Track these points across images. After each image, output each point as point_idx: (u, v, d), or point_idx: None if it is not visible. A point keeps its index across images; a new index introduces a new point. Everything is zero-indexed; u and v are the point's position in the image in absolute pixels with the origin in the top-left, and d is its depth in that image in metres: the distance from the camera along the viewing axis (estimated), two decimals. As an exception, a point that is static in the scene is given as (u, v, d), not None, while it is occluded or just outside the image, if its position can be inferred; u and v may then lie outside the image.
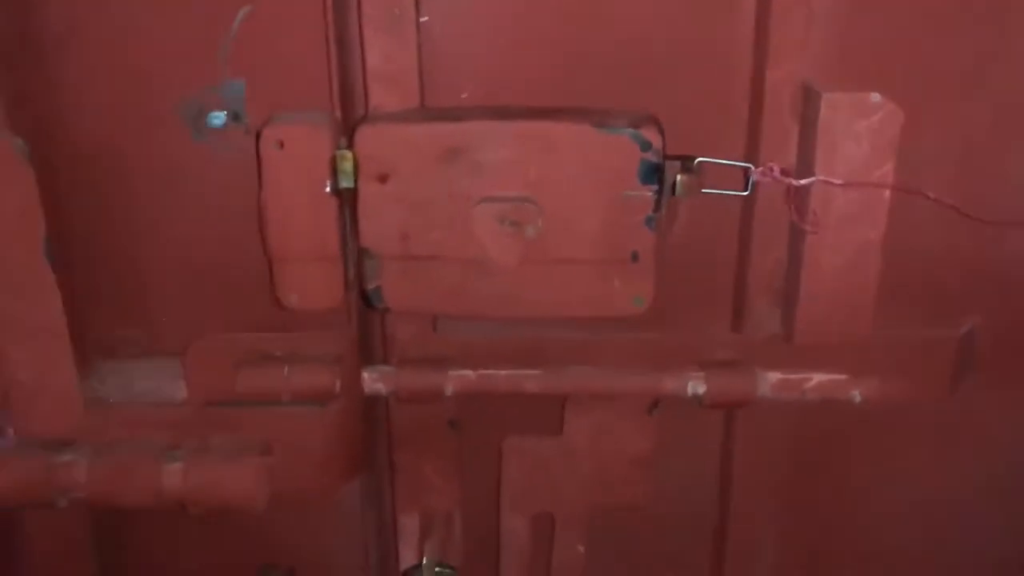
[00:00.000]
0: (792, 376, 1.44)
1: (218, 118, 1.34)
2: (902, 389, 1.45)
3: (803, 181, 1.26)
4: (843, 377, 1.44)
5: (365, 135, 1.27)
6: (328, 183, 1.28)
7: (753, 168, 1.30)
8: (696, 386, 1.44)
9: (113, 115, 1.34)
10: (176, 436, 1.43)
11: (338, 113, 1.32)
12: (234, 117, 1.34)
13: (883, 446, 1.57)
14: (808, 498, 1.61)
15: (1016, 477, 1.58)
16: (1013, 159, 1.37)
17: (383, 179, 1.28)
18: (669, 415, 1.50)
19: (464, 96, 1.33)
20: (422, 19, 1.29)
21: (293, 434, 1.44)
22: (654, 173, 1.25)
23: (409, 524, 1.59)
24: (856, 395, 1.44)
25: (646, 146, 1.25)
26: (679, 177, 1.27)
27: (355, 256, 1.35)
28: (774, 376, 1.44)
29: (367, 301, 1.36)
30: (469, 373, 1.45)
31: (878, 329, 1.37)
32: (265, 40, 1.28)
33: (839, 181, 1.25)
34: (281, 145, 1.25)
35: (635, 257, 1.30)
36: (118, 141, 1.35)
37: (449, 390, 1.44)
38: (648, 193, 1.26)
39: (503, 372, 1.44)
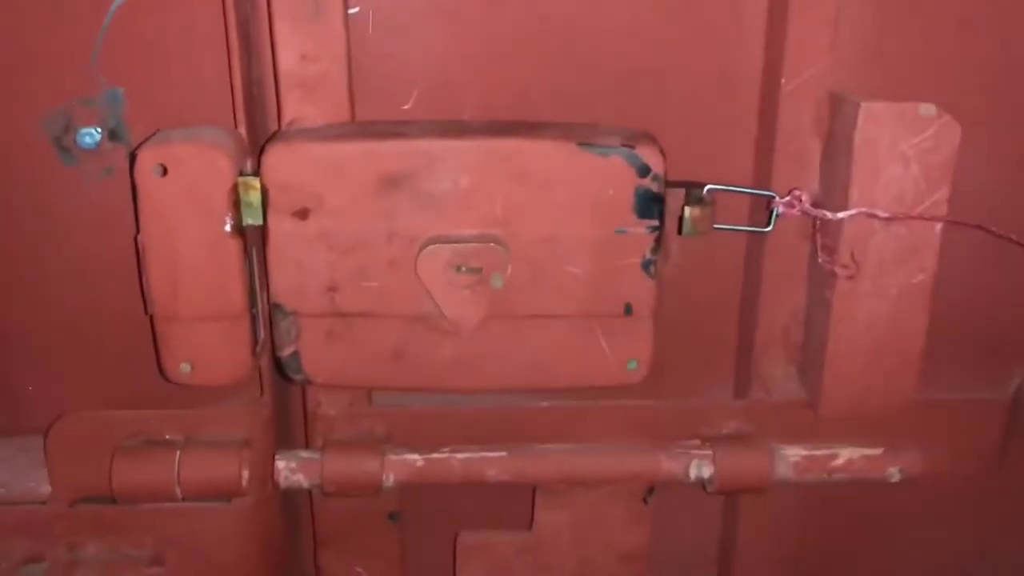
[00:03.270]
0: (816, 452, 1.23)
1: (90, 135, 1.12)
2: (946, 463, 1.25)
3: (842, 214, 1.03)
4: (877, 452, 1.23)
5: (277, 157, 1.03)
6: (228, 220, 1.04)
7: (777, 198, 1.07)
8: (701, 467, 1.21)
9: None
10: (39, 544, 1.21)
11: (242, 129, 1.09)
12: (111, 134, 1.13)
13: (911, 526, 1.38)
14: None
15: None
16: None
17: (302, 215, 1.04)
18: (661, 497, 1.28)
19: (407, 107, 1.11)
20: (351, 10, 1.07)
21: (190, 539, 1.22)
22: (654, 204, 1.03)
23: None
24: (895, 472, 1.23)
25: (644, 171, 1.02)
26: (687, 211, 1.05)
27: (266, 312, 1.12)
28: (795, 453, 1.23)
29: (281, 371, 1.13)
30: (415, 458, 1.20)
31: (917, 392, 1.18)
32: (148, 37, 1.07)
33: (885, 214, 1.03)
34: (164, 171, 1.02)
35: (628, 310, 1.08)
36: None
37: (390, 480, 1.20)
38: (646, 230, 1.04)
39: (459, 455, 1.21)
